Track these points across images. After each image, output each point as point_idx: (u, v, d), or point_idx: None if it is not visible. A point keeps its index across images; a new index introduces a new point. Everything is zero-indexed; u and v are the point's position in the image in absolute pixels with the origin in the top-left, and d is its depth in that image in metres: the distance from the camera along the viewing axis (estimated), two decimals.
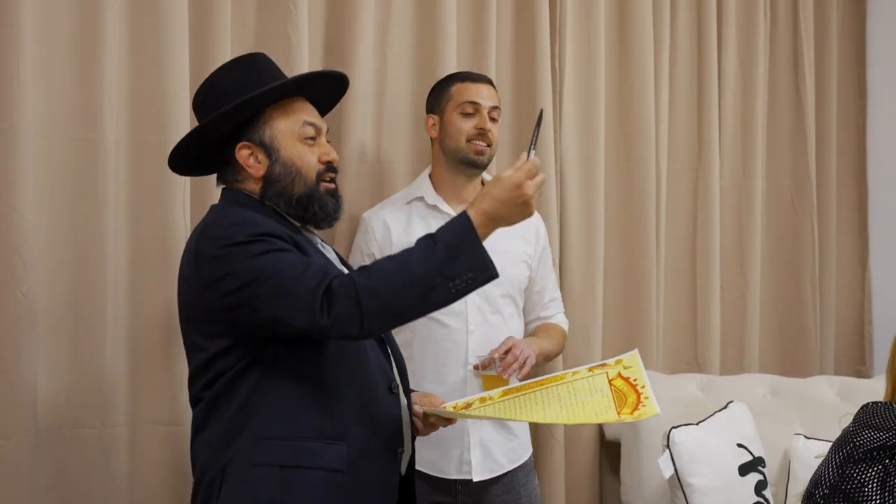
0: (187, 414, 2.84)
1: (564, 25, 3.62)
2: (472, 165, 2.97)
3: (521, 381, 2.88)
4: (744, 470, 3.20)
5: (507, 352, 2.86)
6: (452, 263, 2.00)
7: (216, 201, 2.91)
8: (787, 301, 4.19)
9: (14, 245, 2.62)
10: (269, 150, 2.22)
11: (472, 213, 2.04)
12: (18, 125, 2.63)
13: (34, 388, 2.67)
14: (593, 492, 3.67)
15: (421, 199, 3.00)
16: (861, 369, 4.34)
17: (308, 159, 2.23)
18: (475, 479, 2.93)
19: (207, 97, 2.28)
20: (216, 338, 2.14)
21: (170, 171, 2.82)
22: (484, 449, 2.96)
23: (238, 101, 2.19)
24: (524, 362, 2.84)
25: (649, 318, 3.77)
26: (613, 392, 2.14)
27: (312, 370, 2.14)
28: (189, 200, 2.88)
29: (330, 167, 2.26)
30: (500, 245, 2.95)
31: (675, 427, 3.18)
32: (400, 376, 2.30)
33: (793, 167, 4.21)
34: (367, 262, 2.69)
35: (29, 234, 2.65)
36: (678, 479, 3.14)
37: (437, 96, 3.04)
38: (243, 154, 2.23)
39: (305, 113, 2.27)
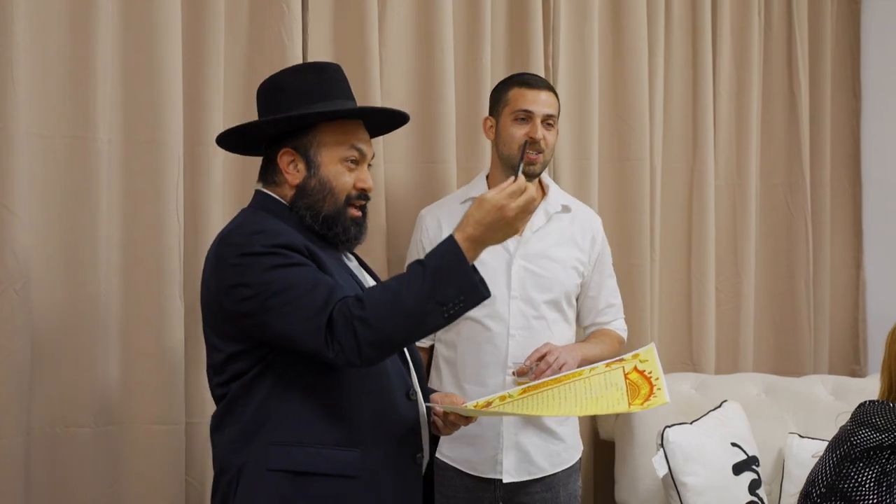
0: (181, 413, 2.87)
1: (558, 24, 3.62)
2: (523, 173, 2.95)
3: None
4: (738, 469, 3.20)
5: (541, 358, 2.86)
6: (443, 288, 2.04)
7: (209, 201, 2.95)
8: (781, 300, 4.20)
9: (7, 243, 2.61)
10: (310, 163, 2.26)
11: (457, 237, 2.08)
12: (11, 124, 2.63)
13: (27, 386, 2.67)
14: (588, 490, 3.67)
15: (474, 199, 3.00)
16: (855, 368, 4.35)
17: (343, 181, 2.26)
18: (506, 481, 2.94)
19: (271, 94, 2.32)
20: (231, 340, 2.19)
21: (163, 170, 2.85)
22: (520, 451, 2.95)
23: (297, 112, 2.23)
24: (559, 369, 2.82)
25: (644, 318, 3.77)
26: (628, 385, 2.17)
27: (326, 378, 2.16)
28: (182, 199, 2.88)
29: (362, 194, 2.30)
30: (551, 251, 2.96)
31: (668, 426, 3.18)
32: (419, 382, 2.34)
33: (787, 167, 4.22)
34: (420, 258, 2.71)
35: (22, 232, 2.65)
36: (672, 478, 3.15)
37: (496, 98, 3.04)
38: (285, 160, 2.27)
39: (355, 137, 2.29)
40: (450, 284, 2.04)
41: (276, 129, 2.28)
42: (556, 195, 3.10)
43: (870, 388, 3.75)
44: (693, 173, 3.97)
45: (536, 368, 2.83)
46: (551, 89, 3.03)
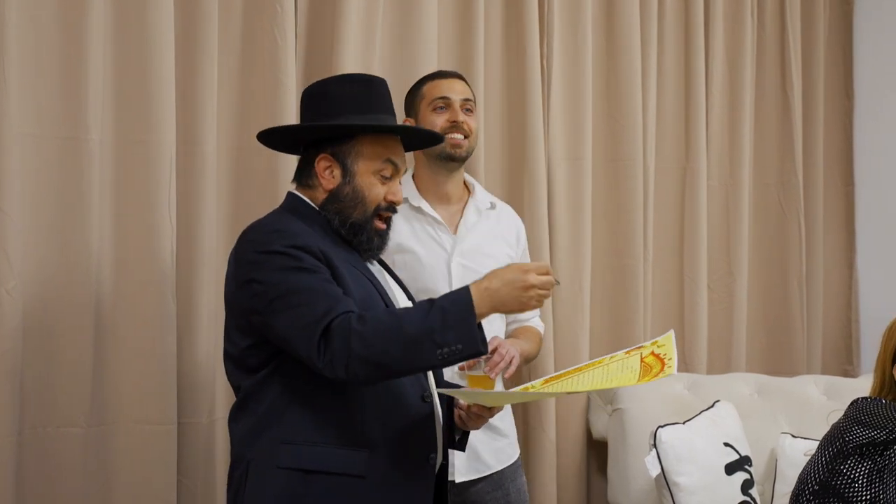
0: (173, 413, 2.87)
1: (552, 25, 3.62)
2: (449, 159, 2.95)
3: (506, 379, 2.89)
4: (730, 469, 3.20)
5: (492, 351, 2.86)
6: (445, 331, 2.07)
7: (201, 201, 2.94)
8: (774, 300, 4.20)
9: None
10: (346, 171, 2.33)
11: (473, 289, 2.13)
12: (4, 124, 2.63)
13: (19, 386, 2.67)
14: (580, 491, 3.68)
15: (405, 200, 3.00)
16: (848, 369, 4.35)
17: (376, 192, 2.33)
18: (458, 481, 2.93)
19: (315, 100, 2.38)
20: (246, 334, 2.24)
21: (155, 170, 2.84)
22: (469, 449, 2.94)
23: (340, 121, 2.30)
24: (510, 361, 2.84)
25: (636, 318, 3.77)
26: (642, 367, 2.20)
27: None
28: (174, 199, 2.87)
29: (391, 207, 2.37)
30: (485, 248, 2.97)
31: (661, 426, 3.19)
32: (438, 384, 2.37)
33: (780, 167, 4.22)
34: None
35: (14, 232, 2.65)
36: (665, 478, 3.15)
37: (411, 99, 3.05)
38: (322, 164, 2.34)
39: (392, 152, 2.36)
40: (452, 329, 2.07)
41: (317, 134, 2.34)
42: (482, 193, 3.11)
43: (862, 388, 3.75)
44: (686, 173, 3.98)
45: (490, 361, 2.83)
46: (463, 78, 3.06)
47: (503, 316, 3.09)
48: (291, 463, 2.18)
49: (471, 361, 2.86)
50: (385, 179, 2.34)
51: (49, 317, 2.74)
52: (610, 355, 2.34)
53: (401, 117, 3.01)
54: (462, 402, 2.36)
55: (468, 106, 3.00)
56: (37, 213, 2.72)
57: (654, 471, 3.15)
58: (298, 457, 2.18)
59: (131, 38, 2.84)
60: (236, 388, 2.31)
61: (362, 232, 2.32)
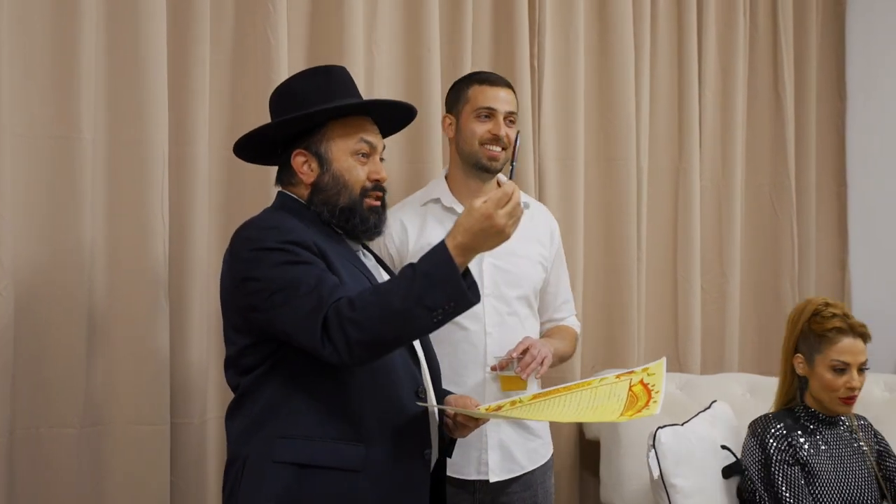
0: (166, 413, 2.86)
1: (544, 24, 3.63)
2: (484, 170, 2.94)
3: (538, 379, 2.89)
4: (727, 472, 3.18)
5: (524, 352, 2.86)
6: (433, 294, 2.06)
7: (194, 200, 2.94)
8: (766, 301, 4.21)
9: None
10: (322, 161, 2.33)
11: (448, 244, 2.10)
12: None
13: (11, 386, 2.66)
14: (573, 490, 3.69)
15: (437, 200, 2.99)
16: None
17: (356, 174, 2.33)
18: (492, 480, 2.94)
19: (281, 99, 2.39)
20: (244, 334, 2.25)
21: (148, 170, 2.83)
22: (503, 450, 2.95)
23: (301, 112, 2.30)
24: (542, 361, 2.84)
25: (630, 318, 3.78)
26: (629, 396, 2.20)
27: (333, 374, 2.20)
28: (167, 198, 2.87)
29: (377, 185, 2.35)
30: (517, 248, 2.97)
31: (661, 427, 3.17)
32: (433, 380, 2.37)
33: (772, 168, 4.23)
34: (387, 263, 2.70)
35: (6, 232, 2.64)
36: (662, 479, 3.14)
37: (455, 96, 3.03)
38: (298, 161, 2.34)
39: (363, 131, 2.35)
40: (439, 290, 2.06)
41: (286, 131, 2.34)
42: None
43: None
44: (679, 174, 3.98)
45: (522, 361, 2.83)
46: (511, 87, 3.03)
47: (537, 316, 3.09)
48: (287, 457, 2.18)
49: (503, 362, 2.87)
50: (364, 159, 2.33)
51: (41, 317, 2.73)
52: (599, 377, 2.35)
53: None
54: (450, 410, 2.36)
55: (511, 118, 2.98)
56: (29, 212, 2.71)
57: (657, 472, 3.14)
58: (294, 451, 2.18)
59: (123, 36, 2.83)
60: (234, 389, 2.31)
61: (354, 215, 2.31)
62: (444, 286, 2.06)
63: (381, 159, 2.38)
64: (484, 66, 3.53)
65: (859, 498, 2.86)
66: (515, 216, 2.12)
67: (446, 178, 3.06)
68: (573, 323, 3.20)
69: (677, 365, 3.93)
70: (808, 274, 4.30)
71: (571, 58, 3.67)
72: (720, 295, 4.07)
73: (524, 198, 3.09)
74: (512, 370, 2.85)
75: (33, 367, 2.73)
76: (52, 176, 2.74)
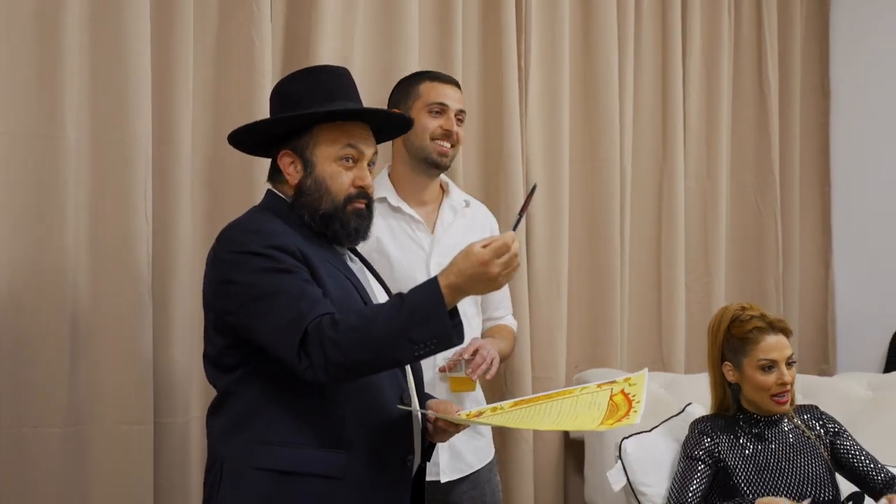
0: (150, 413, 2.86)
1: (530, 26, 3.63)
2: (434, 165, 2.97)
3: (488, 379, 2.90)
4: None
5: (473, 353, 2.86)
6: (418, 328, 2.06)
7: (178, 199, 2.94)
8: (750, 300, 4.16)
9: None
10: (306, 163, 2.29)
11: (440, 282, 2.09)
12: None
13: None
14: (558, 490, 3.69)
15: (383, 199, 2.97)
16: (824, 368, 4.38)
17: (340, 180, 2.28)
18: (443, 481, 2.94)
19: (276, 97, 2.38)
20: (223, 334, 2.23)
21: (131, 169, 2.83)
22: (452, 450, 2.95)
23: (290, 113, 2.28)
24: (491, 362, 2.85)
25: (614, 318, 3.78)
26: (609, 406, 2.21)
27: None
28: (150, 197, 2.87)
29: (362, 192, 2.31)
30: (461, 246, 2.97)
31: (626, 437, 3.17)
32: (416, 385, 2.36)
33: (757, 167, 4.25)
34: None
35: None
36: (632, 488, 3.14)
37: (404, 92, 3.03)
38: (285, 161, 2.32)
39: (352, 136, 2.30)
40: (424, 325, 2.06)
41: (275, 130, 2.32)
42: (457, 192, 3.12)
43: (838, 387, 3.78)
44: (663, 173, 3.99)
45: (472, 362, 2.83)
46: (458, 86, 3.06)
47: (480, 314, 3.11)
48: (268, 464, 2.16)
49: (452, 362, 2.87)
50: (350, 164, 2.29)
51: (24, 316, 2.73)
52: (581, 387, 2.35)
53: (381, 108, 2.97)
54: (431, 415, 2.34)
55: (461, 116, 3.01)
56: (11, 212, 2.71)
57: (618, 484, 3.14)
58: (275, 458, 2.17)
59: (107, 35, 2.83)
60: (214, 384, 2.30)
61: (334, 221, 2.28)
62: (429, 322, 2.06)
63: (373, 163, 2.34)
64: (472, 66, 3.55)
65: (810, 488, 2.87)
66: (511, 267, 2.10)
67: (389, 175, 3.05)
68: (510, 322, 3.23)
69: (661, 364, 3.94)
70: (792, 273, 4.31)
71: (557, 57, 3.68)
72: (705, 294, 4.08)
73: (465, 196, 3.12)
74: (461, 371, 2.85)
75: (17, 367, 2.72)
76: (36, 175, 2.73)
